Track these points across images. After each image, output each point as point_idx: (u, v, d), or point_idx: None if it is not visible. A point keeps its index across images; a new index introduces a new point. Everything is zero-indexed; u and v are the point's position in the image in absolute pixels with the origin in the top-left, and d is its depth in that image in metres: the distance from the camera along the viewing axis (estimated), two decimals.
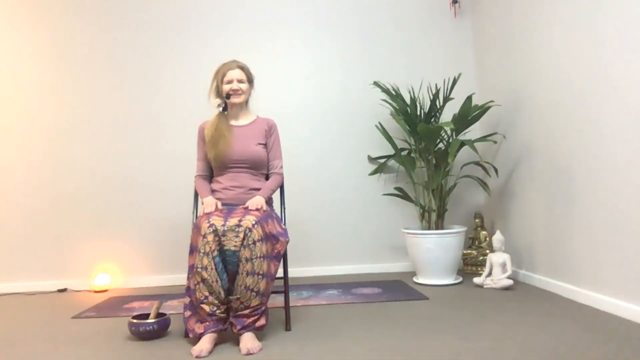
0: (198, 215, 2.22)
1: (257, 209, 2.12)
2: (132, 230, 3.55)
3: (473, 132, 3.56)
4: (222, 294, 2.00)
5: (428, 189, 3.29)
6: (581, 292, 2.46)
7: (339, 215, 3.66)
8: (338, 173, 3.68)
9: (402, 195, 3.39)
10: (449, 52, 3.77)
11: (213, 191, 2.35)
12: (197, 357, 1.88)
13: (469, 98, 3.04)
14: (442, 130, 3.22)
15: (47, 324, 2.49)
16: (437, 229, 3.23)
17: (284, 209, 2.47)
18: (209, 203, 2.19)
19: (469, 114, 3.12)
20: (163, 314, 2.24)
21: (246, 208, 2.13)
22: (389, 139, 3.41)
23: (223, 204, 2.25)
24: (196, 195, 2.46)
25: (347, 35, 3.75)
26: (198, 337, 2.00)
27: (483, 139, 3.22)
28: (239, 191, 2.30)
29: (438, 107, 3.29)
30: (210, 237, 1.97)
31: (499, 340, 1.94)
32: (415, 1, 3.78)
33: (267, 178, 2.44)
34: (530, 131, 2.94)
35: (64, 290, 3.42)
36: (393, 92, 3.35)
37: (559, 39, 2.61)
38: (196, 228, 2.08)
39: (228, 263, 1.99)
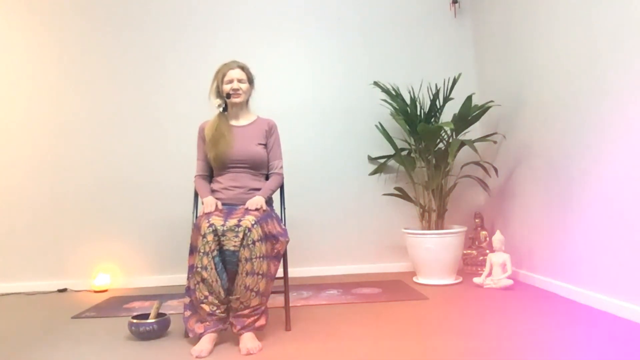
0: (198, 215, 2.22)
1: (256, 209, 2.12)
2: (132, 230, 3.55)
3: (473, 132, 3.56)
4: (222, 294, 2.00)
5: (428, 189, 3.29)
6: (581, 292, 2.46)
7: (339, 215, 3.66)
8: (338, 173, 3.68)
9: (402, 195, 3.39)
10: (449, 52, 3.77)
11: (213, 191, 2.34)
12: (197, 357, 1.88)
13: (469, 98, 3.04)
14: (442, 130, 3.22)
15: (47, 324, 2.49)
16: (437, 229, 3.23)
17: (284, 209, 2.47)
18: (208, 203, 2.19)
19: (469, 114, 3.12)
20: (163, 314, 2.24)
21: (246, 209, 2.13)
22: (389, 139, 3.41)
23: (223, 204, 2.25)
24: (196, 195, 2.46)
25: (347, 35, 3.75)
26: (198, 337, 2.00)
27: (483, 139, 3.22)
28: (239, 191, 2.30)
29: (438, 107, 3.29)
30: (209, 237, 1.97)
31: (499, 340, 1.94)
32: (415, 1, 3.78)
33: (267, 178, 2.43)
34: (530, 131, 2.94)
35: (64, 290, 3.42)
36: (393, 92, 3.35)
37: (559, 39, 2.61)
38: (196, 228, 2.08)
39: (228, 263, 1.99)
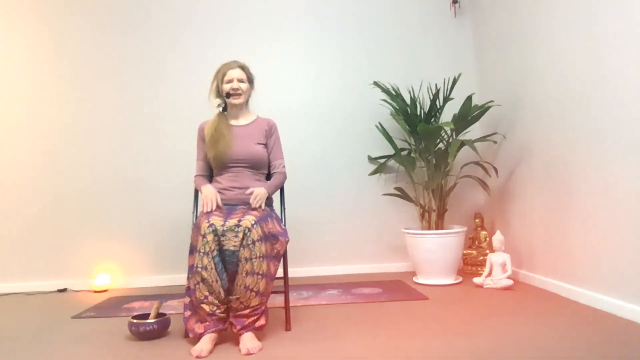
0: (198, 215, 2.22)
1: (255, 209, 2.12)
2: (132, 230, 3.55)
3: (473, 132, 3.56)
4: (222, 294, 2.00)
5: (428, 189, 3.29)
6: (581, 292, 2.46)
7: (339, 215, 3.66)
8: (338, 173, 3.68)
9: (402, 195, 3.39)
10: (449, 52, 3.77)
11: None
12: (197, 357, 1.88)
13: (469, 98, 3.05)
14: (442, 130, 3.22)
15: (47, 324, 2.49)
16: (437, 229, 3.23)
17: (284, 209, 2.47)
18: (208, 192, 2.18)
19: (469, 114, 3.12)
20: (163, 314, 2.24)
21: (249, 194, 2.16)
22: (389, 139, 3.41)
23: (223, 204, 2.25)
24: (196, 195, 2.46)
25: (347, 35, 3.75)
26: (198, 337, 2.00)
27: (483, 139, 3.22)
28: (239, 192, 2.29)
29: (438, 107, 3.29)
30: (209, 237, 1.97)
31: (499, 340, 1.93)
32: (415, 1, 3.78)
33: (267, 178, 2.43)
34: (530, 131, 2.94)
35: (64, 290, 3.42)
36: (393, 92, 3.35)
37: (559, 39, 2.61)
38: (196, 228, 2.08)
39: (228, 263, 1.99)
